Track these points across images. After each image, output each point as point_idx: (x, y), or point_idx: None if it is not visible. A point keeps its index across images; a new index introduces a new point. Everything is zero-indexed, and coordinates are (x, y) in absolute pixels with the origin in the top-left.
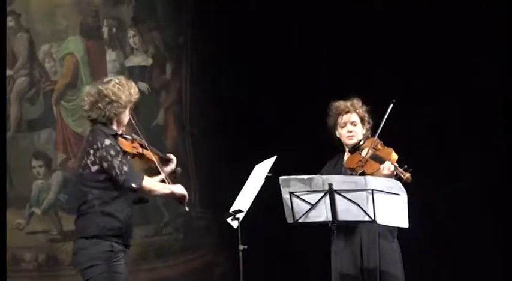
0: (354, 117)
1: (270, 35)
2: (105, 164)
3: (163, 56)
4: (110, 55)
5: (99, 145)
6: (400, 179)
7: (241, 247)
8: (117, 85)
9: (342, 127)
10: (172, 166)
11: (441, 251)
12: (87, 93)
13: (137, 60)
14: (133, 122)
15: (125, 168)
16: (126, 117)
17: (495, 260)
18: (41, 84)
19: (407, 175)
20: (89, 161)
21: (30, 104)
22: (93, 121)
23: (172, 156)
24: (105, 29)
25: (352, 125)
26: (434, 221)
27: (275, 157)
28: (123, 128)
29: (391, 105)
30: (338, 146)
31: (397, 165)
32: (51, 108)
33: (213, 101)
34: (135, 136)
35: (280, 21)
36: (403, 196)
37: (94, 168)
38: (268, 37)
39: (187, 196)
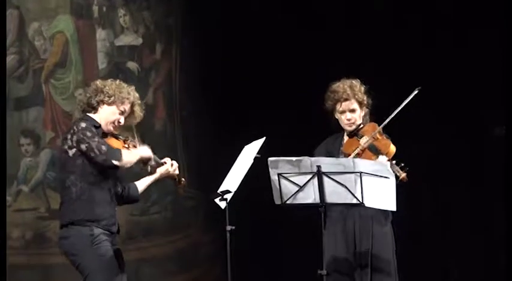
0: (353, 104)
1: (259, 17)
2: (83, 147)
3: (154, 36)
4: (100, 34)
5: (75, 129)
6: (396, 177)
7: (228, 228)
8: (112, 81)
9: (341, 113)
10: (167, 168)
11: (434, 236)
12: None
13: (127, 39)
14: (134, 130)
15: (104, 148)
16: (112, 114)
17: (490, 245)
18: (30, 62)
19: (403, 174)
20: (66, 147)
21: (19, 82)
22: (83, 111)
23: (167, 159)
24: (95, 8)
25: (351, 113)
26: (428, 207)
27: (264, 138)
28: (111, 127)
29: (415, 92)
30: (336, 127)
31: (394, 162)
32: (41, 87)
33: (202, 82)
34: (129, 138)
35: (270, 6)
36: (392, 179)
37: (71, 152)
38: (258, 19)
39: (152, 157)
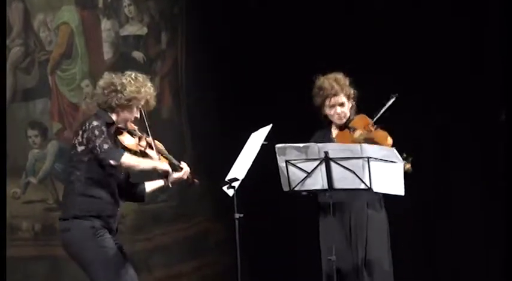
0: (341, 98)
1: (266, 5)
2: (90, 145)
3: (159, 25)
4: (105, 24)
5: (87, 126)
6: None
7: (237, 215)
8: (129, 78)
9: (331, 108)
10: (181, 174)
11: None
12: (103, 79)
13: (132, 29)
14: (146, 123)
15: (105, 146)
16: (130, 114)
17: (485, 235)
18: (36, 54)
19: (408, 165)
20: (76, 142)
21: (25, 73)
22: (99, 106)
23: (184, 165)
24: None
25: (341, 106)
26: (423, 195)
27: (271, 125)
28: (128, 125)
29: (392, 100)
30: (324, 121)
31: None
32: (47, 78)
33: (208, 71)
34: (146, 136)
35: None
36: (399, 164)
37: (80, 148)
38: (265, 8)
39: (171, 172)
